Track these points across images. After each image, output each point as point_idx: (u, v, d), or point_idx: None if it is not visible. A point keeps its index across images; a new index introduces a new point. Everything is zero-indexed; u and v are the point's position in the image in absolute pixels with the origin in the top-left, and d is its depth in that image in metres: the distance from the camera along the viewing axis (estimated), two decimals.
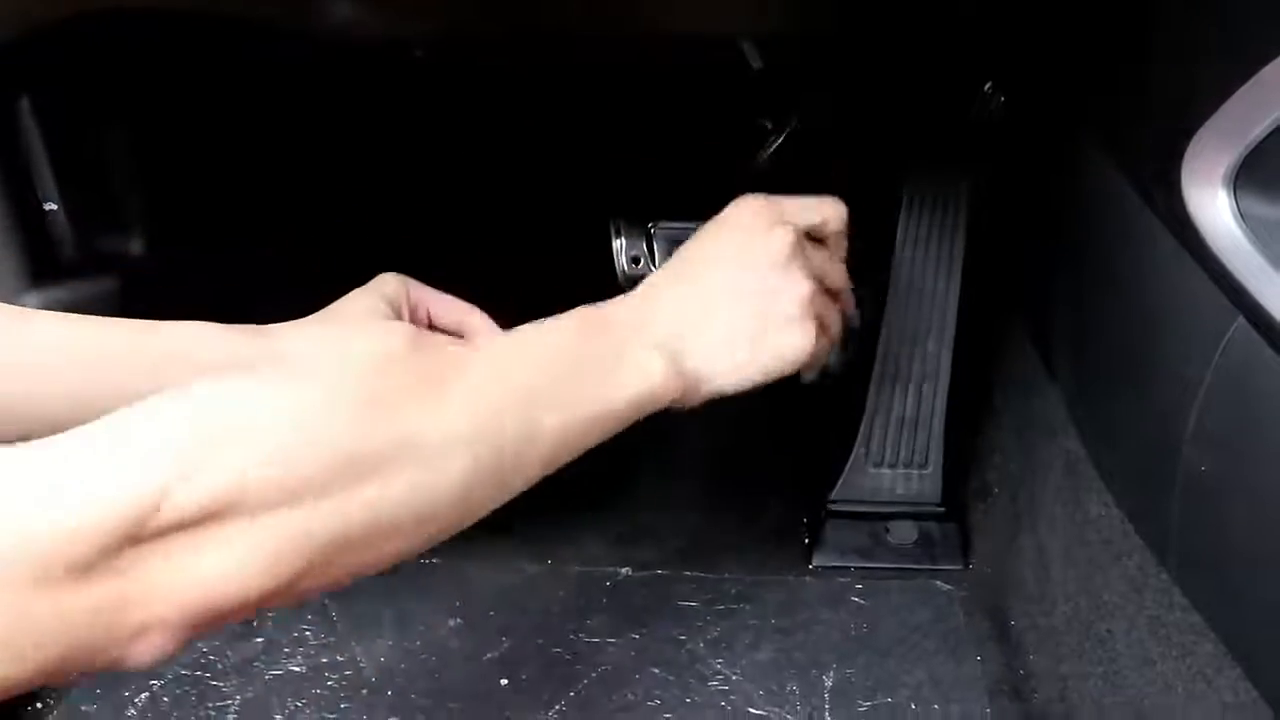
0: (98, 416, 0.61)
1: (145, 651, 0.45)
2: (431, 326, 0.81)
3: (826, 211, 0.79)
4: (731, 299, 0.71)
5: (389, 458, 0.52)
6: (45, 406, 0.70)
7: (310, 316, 0.75)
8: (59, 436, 0.44)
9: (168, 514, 0.43)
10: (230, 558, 0.46)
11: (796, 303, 0.71)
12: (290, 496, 0.48)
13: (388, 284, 0.80)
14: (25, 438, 0.60)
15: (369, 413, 0.52)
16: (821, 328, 0.73)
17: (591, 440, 0.63)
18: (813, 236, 0.77)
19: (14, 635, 0.40)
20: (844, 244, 0.80)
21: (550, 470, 0.61)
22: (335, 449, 0.50)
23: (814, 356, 0.73)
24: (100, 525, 0.41)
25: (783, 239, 0.72)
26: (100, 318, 0.70)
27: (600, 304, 0.70)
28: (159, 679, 0.95)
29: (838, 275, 0.79)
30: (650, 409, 0.66)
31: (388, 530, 0.52)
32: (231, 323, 0.74)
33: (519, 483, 0.60)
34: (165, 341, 0.70)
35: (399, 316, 0.78)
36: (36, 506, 0.41)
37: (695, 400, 0.70)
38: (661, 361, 0.67)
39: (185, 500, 0.44)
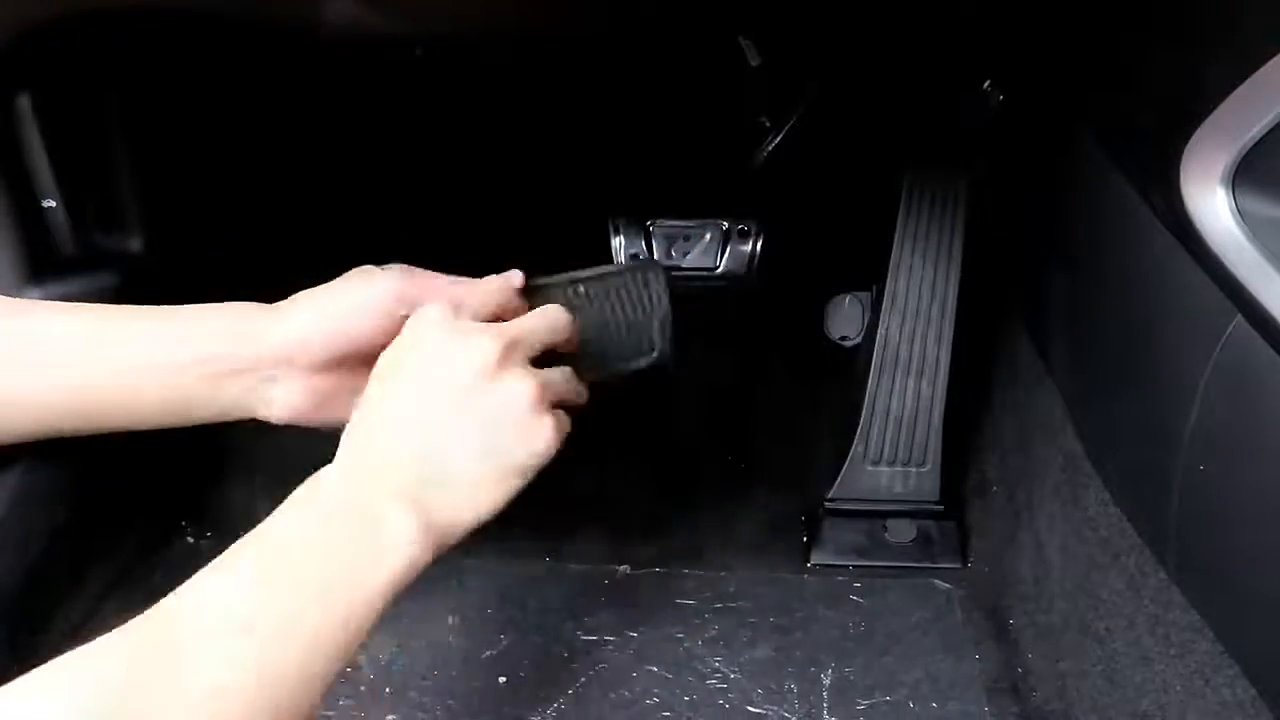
0: (101, 403, 0.63)
1: None
2: None
3: (496, 298, 0.74)
4: (456, 427, 0.65)
5: None
6: (51, 396, 0.70)
7: (308, 296, 0.73)
8: None
9: None
10: None
11: (524, 405, 0.66)
12: None
13: (394, 268, 0.74)
14: (35, 427, 0.62)
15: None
16: (555, 416, 0.68)
17: (359, 631, 0.58)
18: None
19: None
20: (532, 323, 0.73)
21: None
22: None
23: (556, 445, 0.68)
24: None
25: (482, 347, 0.66)
26: (100, 305, 0.71)
27: (320, 473, 0.63)
28: None
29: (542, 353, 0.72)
30: (411, 578, 0.61)
31: None
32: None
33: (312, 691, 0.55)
34: (160, 326, 0.71)
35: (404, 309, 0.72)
36: None
37: (447, 548, 0.64)
38: (410, 526, 0.61)
39: None
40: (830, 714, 0.94)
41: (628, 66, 1.09)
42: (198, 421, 0.73)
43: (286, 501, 0.61)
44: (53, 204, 0.92)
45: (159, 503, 1.13)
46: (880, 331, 1.11)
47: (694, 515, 1.19)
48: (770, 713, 0.94)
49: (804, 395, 1.28)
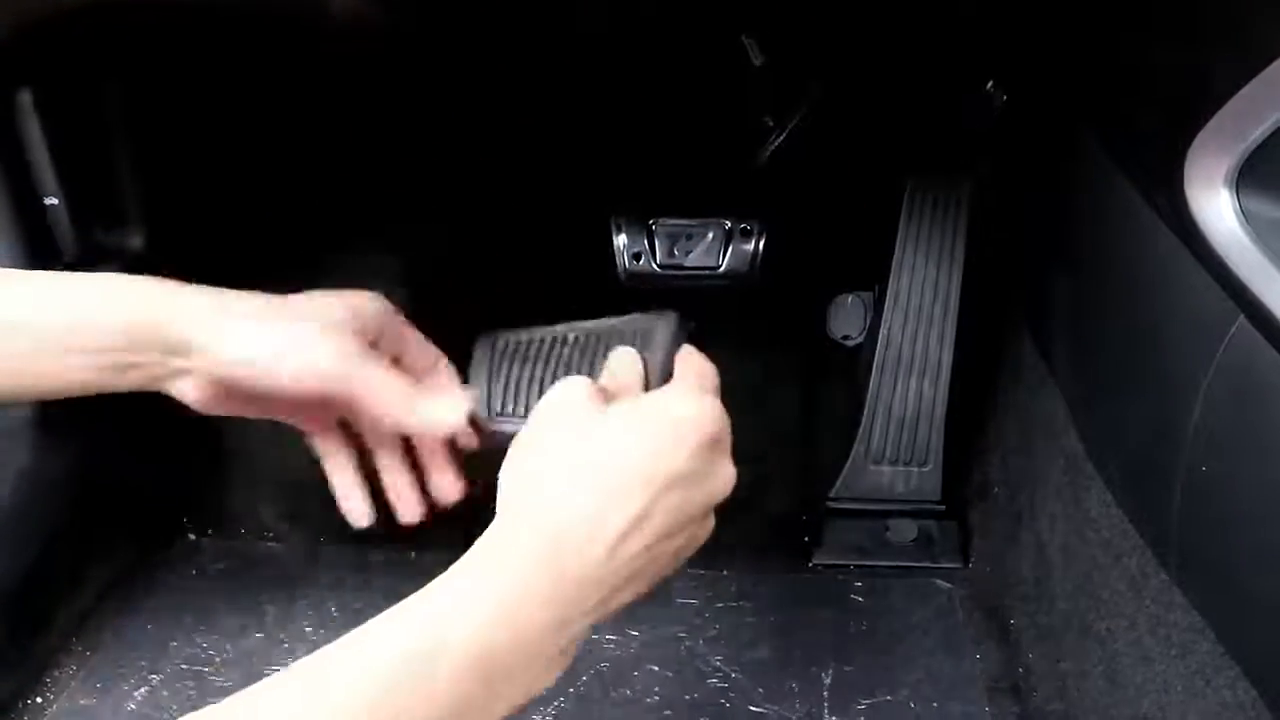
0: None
1: None
2: (395, 362, 0.68)
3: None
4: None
5: None
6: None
7: (262, 300, 0.66)
8: None
9: None
10: None
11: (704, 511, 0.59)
12: None
13: (368, 305, 0.67)
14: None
15: None
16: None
17: None
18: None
19: None
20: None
21: None
22: None
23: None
24: None
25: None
26: (18, 274, 0.68)
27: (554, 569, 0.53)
28: (158, 674, 0.95)
29: None
30: None
31: None
32: None
33: None
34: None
35: (363, 338, 0.65)
36: None
37: None
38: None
39: None
40: (831, 713, 0.94)
41: (631, 65, 1.09)
42: (110, 391, 0.67)
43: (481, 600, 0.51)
44: (54, 201, 0.92)
45: (160, 501, 1.13)
46: (882, 331, 1.11)
47: None
48: (771, 712, 0.94)
49: (806, 395, 1.28)
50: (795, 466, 1.22)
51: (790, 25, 0.94)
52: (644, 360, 0.63)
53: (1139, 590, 0.80)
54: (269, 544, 1.13)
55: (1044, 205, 1.02)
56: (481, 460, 0.65)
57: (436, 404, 0.64)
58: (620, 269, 1.15)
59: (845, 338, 1.23)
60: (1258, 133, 0.61)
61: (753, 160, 1.12)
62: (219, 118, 1.12)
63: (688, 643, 1.01)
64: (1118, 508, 0.85)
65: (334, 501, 0.69)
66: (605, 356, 0.64)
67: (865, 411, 1.13)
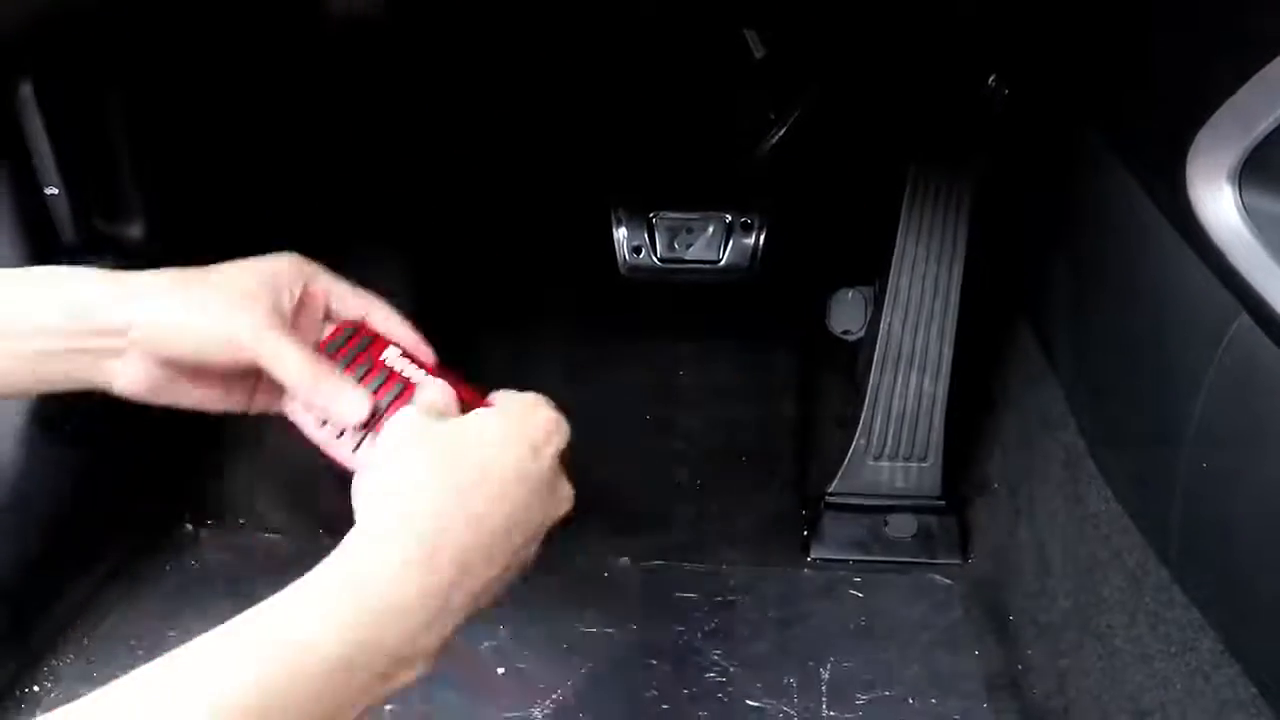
0: None
1: None
2: (327, 317, 0.68)
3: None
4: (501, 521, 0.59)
5: None
6: None
7: (175, 272, 0.65)
8: None
9: None
10: None
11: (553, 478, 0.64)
12: None
13: (284, 269, 0.67)
14: None
15: None
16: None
17: None
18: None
19: None
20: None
21: None
22: None
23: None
24: None
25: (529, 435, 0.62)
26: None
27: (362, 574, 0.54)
28: None
29: None
30: None
31: None
32: None
33: None
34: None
35: (287, 301, 0.65)
36: None
37: None
38: (433, 651, 0.55)
39: None
40: (829, 708, 0.94)
41: (632, 59, 1.09)
42: (39, 392, 0.68)
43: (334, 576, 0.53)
44: (55, 191, 0.92)
45: (159, 492, 1.13)
46: (883, 326, 1.11)
47: (694, 509, 1.19)
48: (769, 706, 0.94)
49: (806, 389, 1.28)
50: (795, 461, 1.22)
51: (791, 19, 0.94)
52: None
53: (1139, 586, 0.80)
54: (268, 536, 1.13)
55: (1045, 201, 1.02)
56: None
57: (340, 397, 0.64)
58: (621, 262, 1.15)
59: (845, 332, 1.23)
60: (1260, 129, 0.61)
61: (754, 154, 1.12)
62: (219, 108, 1.12)
63: (686, 637, 1.01)
64: (1118, 504, 0.85)
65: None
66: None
67: (865, 406, 1.13)
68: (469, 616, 0.56)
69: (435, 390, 0.64)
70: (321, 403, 0.64)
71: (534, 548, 0.62)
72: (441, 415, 0.62)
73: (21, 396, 0.67)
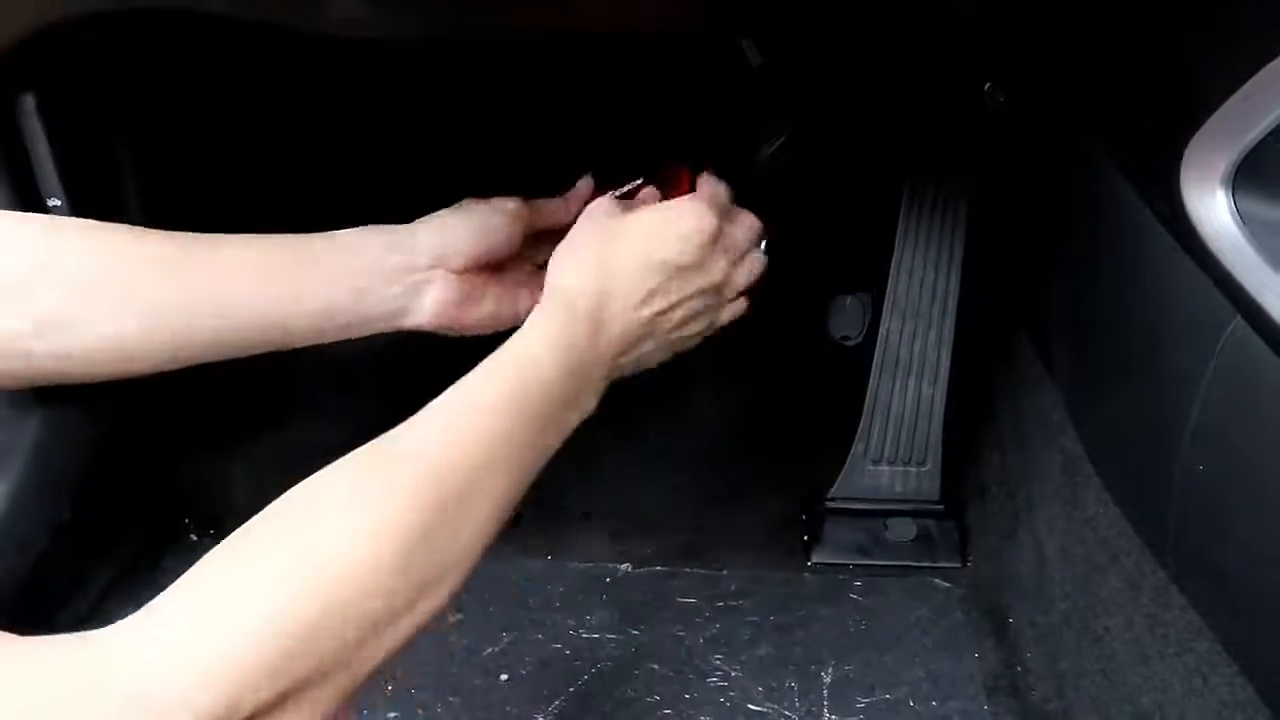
0: (258, 332, 0.74)
1: None
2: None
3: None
4: (675, 308, 0.75)
5: (442, 577, 0.57)
6: (215, 332, 0.75)
7: (441, 215, 0.81)
8: (127, 636, 0.50)
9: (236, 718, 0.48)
10: None
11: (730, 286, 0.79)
12: (350, 664, 0.53)
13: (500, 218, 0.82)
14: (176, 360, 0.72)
15: (423, 549, 0.56)
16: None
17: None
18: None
19: None
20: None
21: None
22: (397, 604, 0.55)
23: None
24: None
25: (700, 229, 0.76)
26: (243, 237, 0.77)
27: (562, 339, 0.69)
28: None
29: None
30: None
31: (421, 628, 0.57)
32: None
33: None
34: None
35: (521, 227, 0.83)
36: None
37: None
38: (600, 393, 0.71)
39: (252, 705, 0.49)
40: (830, 712, 0.95)
41: (628, 66, 1.09)
42: (345, 337, 0.79)
43: (540, 342, 0.67)
44: (58, 203, 0.93)
45: (161, 500, 1.13)
46: (881, 332, 1.11)
47: (695, 514, 1.19)
48: (770, 710, 0.94)
49: (805, 395, 1.28)
50: (795, 466, 1.22)
51: (788, 27, 0.94)
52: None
53: (1137, 589, 0.80)
54: None
55: (1042, 206, 1.03)
56: None
57: (577, 194, 0.90)
58: None
59: (845, 338, 1.23)
60: (1254, 133, 0.61)
61: (752, 162, 1.12)
62: (220, 120, 1.12)
63: (687, 642, 1.02)
64: (1115, 507, 0.86)
65: None
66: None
67: (864, 411, 1.13)
68: (639, 367, 0.75)
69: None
70: (577, 204, 0.84)
71: (708, 319, 0.78)
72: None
73: (335, 338, 0.79)
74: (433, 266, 0.79)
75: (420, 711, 0.94)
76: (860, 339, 1.21)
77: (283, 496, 0.57)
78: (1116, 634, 0.83)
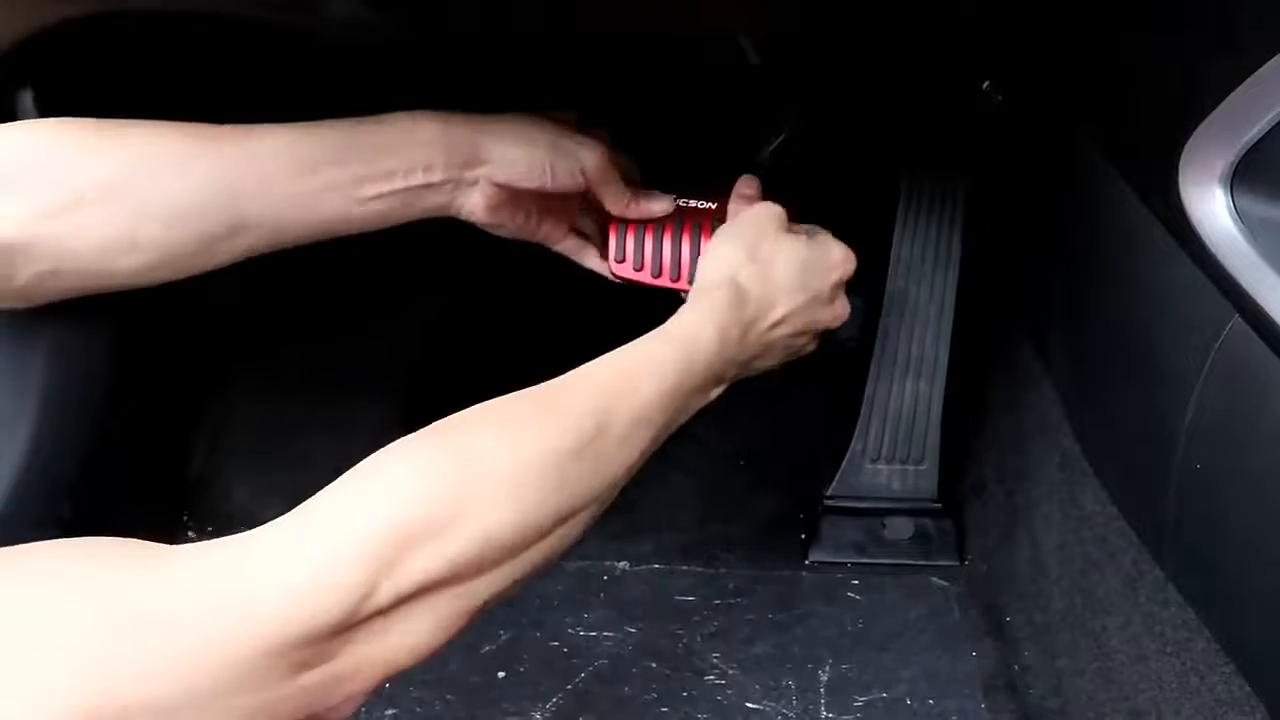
0: (312, 222, 0.77)
1: (347, 709, 0.53)
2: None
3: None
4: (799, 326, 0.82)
5: (581, 505, 0.60)
6: (274, 221, 0.77)
7: (525, 119, 0.84)
8: (276, 531, 0.53)
9: (370, 608, 0.51)
10: (421, 630, 0.53)
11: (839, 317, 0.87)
12: (483, 570, 0.55)
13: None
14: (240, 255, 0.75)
15: (574, 466, 0.60)
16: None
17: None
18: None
19: (255, 710, 0.48)
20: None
21: None
22: (541, 517, 0.58)
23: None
24: (318, 629, 0.49)
25: (839, 265, 0.86)
26: (285, 126, 0.78)
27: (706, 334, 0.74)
28: None
29: None
30: None
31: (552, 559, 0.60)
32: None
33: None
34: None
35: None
36: (267, 616, 0.48)
37: None
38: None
39: (385, 596, 0.51)
40: (828, 710, 0.95)
41: (625, 66, 1.09)
42: (400, 223, 0.82)
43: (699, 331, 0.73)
44: None
45: (161, 497, 1.13)
46: (879, 330, 1.11)
47: (693, 512, 1.19)
48: (768, 709, 0.94)
49: (803, 394, 1.28)
50: (792, 465, 1.23)
51: (787, 25, 0.94)
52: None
53: (1134, 587, 0.80)
54: None
55: (1040, 205, 1.03)
56: None
57: (652, 203, 0.91)
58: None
59: (843, 337, 1.23)
60: (1252, 132, 0.61)
61: (749, 161, 1.12)
62: (223, 118, 1.12)
63: (685, 640, 1.02)
64: (1113, 505, 0.86)
65: None
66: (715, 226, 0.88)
67: (862, 410, 1.13)
68: (750, 373, 0.80)
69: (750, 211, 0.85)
70: (637, 212, 0.89)
71: (808, 344, 0.84)
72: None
73: (374, 229, 0.81)
74: (480, 177, 0.82)
75: (418, 709, 0.94)
76: (858, 338, 1.21)
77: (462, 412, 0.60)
78: (1114, 632, 0.83)
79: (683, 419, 0.71)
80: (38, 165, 0.71)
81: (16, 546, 0.47)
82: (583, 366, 0.66)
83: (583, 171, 0.84)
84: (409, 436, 0.58)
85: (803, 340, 0.83)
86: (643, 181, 0.93)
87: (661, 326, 0.72)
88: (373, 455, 0.56)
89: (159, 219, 0.73)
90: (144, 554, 0.49)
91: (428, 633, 0.54)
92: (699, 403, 0.73)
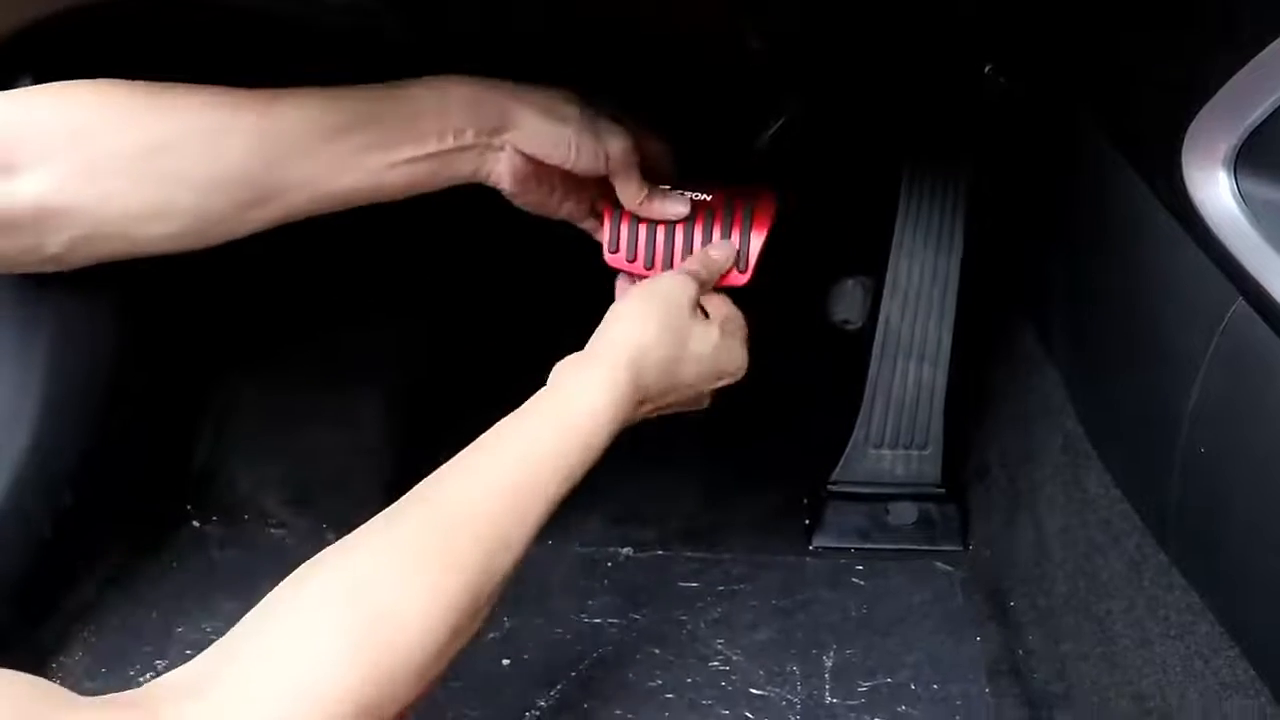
0: (343, 192, 0.79)
1: None
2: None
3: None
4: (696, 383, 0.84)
5: (477, 626, 0.63)
6: (300, 191, 0.78)
7: (553, 92, 0.84)
8: (180, 703, 0.51)
9: None
10: None
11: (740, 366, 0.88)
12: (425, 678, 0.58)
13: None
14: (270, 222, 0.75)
15: (477, 604, 0.62)
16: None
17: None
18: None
19: None
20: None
21: None
22: (451, 653, 0.60)
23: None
24: None
25: (722, 337, 0.85)
26: (313, 92, 0.78)
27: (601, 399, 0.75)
28: (164, 660, 0.96)
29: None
30: None
31: None
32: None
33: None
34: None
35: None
36: None
37: None
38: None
39: None
40: (832, 696, 0.95)
41: (626, 52, 1.09)
42: (429, 190, 0.83)
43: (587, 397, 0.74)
44: None
45: (165, 489, 1.13)
46: (882, 315, 1.11)
47: (696, 498, 1.19)
48: (772, 694, 0.94)
49: (806, 379, 1.28)
50: (796, 450, 1.22)
51: (789, 9, 0.93)
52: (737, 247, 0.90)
53: (1138, 571, 0.80)
54: (274, 531, 1.13)
55: (1042, 188, 1.02)
56: None
57: (667, 204, 0.90)
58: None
59: (845, 322, 1.23)
60: (1256, 115, 0.61)
61: (751, 145, 1.12)
62: None
63: (689, 626, 1.02)
64: (1116, 489, 0.86)
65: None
66: (715, 224, 0.91)
67: (865, 395, 1.13)
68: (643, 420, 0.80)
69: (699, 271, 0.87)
70: (649, 211, 0.89)
71: (705, 398, 0.85)
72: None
73: (405, 196, 0.82)
74: (506, 146, 0.82)
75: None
76: (861, 322, 1.20)
77: (340, 550, 0.60)
78: (1117, 616, 0.83)
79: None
80: (74, 129, 0.71)
81: None
82: (471, 474, 0.67)
83: (607, 156, 0.84)
84: (311, 584, 0.58)
85: (698, 401, 0.86)
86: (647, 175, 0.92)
87: (560, 398, 0.73)
88: (280, 617, 0.57)
89: (194, 187, 0.73)
90: (51, 703, 0.48)
91: None
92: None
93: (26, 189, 0.69)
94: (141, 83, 0.74)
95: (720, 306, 0.87)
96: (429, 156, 0.79)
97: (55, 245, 0.73)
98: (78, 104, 0.72)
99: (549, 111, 0.83)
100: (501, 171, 0.84)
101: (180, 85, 0.75)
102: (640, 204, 0.88)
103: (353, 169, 0.77)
